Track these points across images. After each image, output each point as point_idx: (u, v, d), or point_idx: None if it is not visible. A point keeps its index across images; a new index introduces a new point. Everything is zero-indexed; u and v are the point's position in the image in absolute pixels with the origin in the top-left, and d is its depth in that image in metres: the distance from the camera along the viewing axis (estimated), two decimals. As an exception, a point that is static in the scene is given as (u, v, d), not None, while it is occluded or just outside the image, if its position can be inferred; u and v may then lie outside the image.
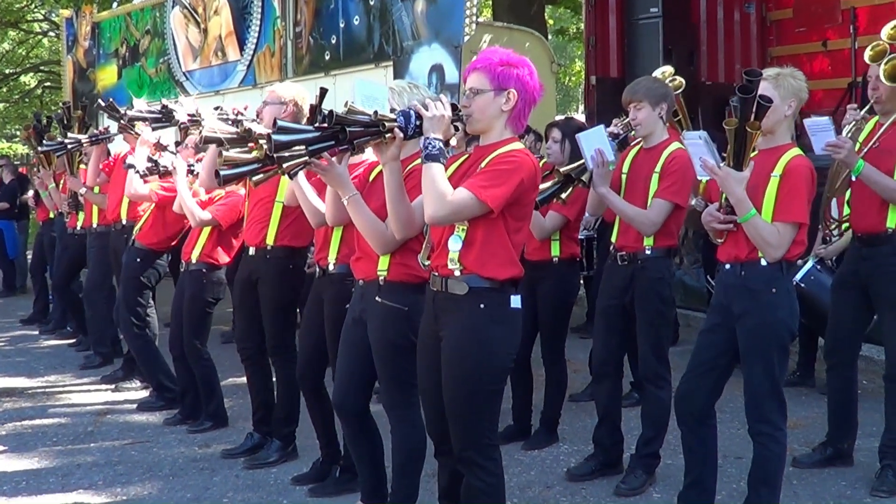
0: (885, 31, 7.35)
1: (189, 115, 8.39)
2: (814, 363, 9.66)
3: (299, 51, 15.91)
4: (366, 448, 6.17)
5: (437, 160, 4.85)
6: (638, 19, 14.56)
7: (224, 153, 6.00)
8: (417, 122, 4.91)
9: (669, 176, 6.79)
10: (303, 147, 5.04)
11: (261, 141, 6.08)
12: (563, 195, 7.42)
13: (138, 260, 9.30)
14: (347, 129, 4.91)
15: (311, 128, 5.11)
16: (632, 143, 7.23)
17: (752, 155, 5.69)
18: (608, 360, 7.18)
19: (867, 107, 7.30)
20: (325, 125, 4.98)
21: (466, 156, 5.31)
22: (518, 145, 5.06)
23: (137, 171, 8.74)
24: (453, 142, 5.63)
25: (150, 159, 8.69)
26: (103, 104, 10.40)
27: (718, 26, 15.87)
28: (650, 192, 6.84)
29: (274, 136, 5.00)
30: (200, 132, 7.67)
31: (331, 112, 4.95)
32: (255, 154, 6.16)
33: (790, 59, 13.57)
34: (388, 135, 4.95)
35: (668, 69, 9.03)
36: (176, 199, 8.36)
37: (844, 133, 7.09)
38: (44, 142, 11.61)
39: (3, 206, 18.28)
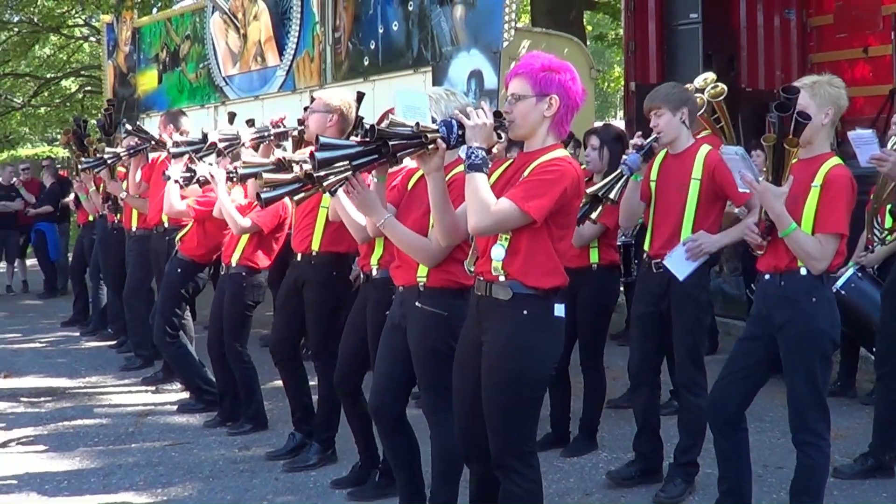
0: None
1: (223, 137, 8.49)
2: (855, 373, 9.61)
3: (338, 56, 15.92)
4: (403, 453, 6.20)
5: (480, 170, 4.85)
6: (678, 25, 14.53)
7: (265, 174, 6.02)
8: (460, 132, 4.91)
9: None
10: (346, 162, 5.05)
11: (303, 163, 6.08)
12: (594, 215, 7.41)
13: (179, 270, 9.33)
14: (389, 142, 4.92)
15: (353, 143, 5.11)
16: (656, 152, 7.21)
17: (792, 164, 5.68)
18: (645, 367, 7.18)
19: None
20: (367, 139, 4.99)
21: (510, 162, 5.30)
22: (561, 152, 5.06)
23: (176, 181, 8.78)
24: (496, 149, 5.62)
25: (187, 168, 8.72)
26: (130, 129, 10.51)
27: (758, 32, 15.81)
28: (688, 198, 6.84)
29: (318, 155, 5.00)
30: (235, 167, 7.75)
31: (372, 126, 4.95)
32: (294, 174, 6.20)
33: (830, 65, 13.57)
34: (430, 146, 4.96)
35: (711, 75, 9.00)
36: (216, 205, 8.38)
37: (889, 146, 7.07)
38: (83, 158, 11.69)
39: (46, 210, 18.42)
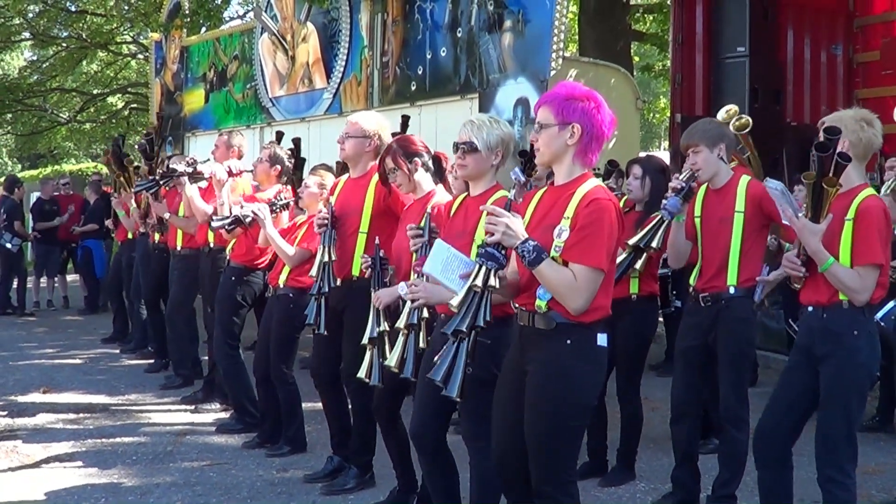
0: None
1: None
2: (894, 407, 9.56)
3: (385, 80, 16.02)
4: (442, 480, 6.21)
5: (540, 260, 4.84)
6: (725, 58, 14.54)
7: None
8: (502, 251, 4.89)
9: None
10: (461, 367, 5.01)
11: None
12: (638, 265, 7.41)
13: (233, 279, 9.36)
14: (478, 323, 4.88)
15: (448, 350, 5.03)
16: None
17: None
18: (688, 399, 7.15)
19: None
20: (464, 336, 4.95)
21: (542, 191, 5.32)
22: (593, 183, 5.06)
23: (224, 229, 8.88)
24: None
25: (231, 214, 8.85)
26: (182, 157, 10.81)
27: (805, 67, 15.82)
28: (734, 231, 6.84)
29: (447, 389, 5.01)
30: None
31: (456, 330, 4.92)
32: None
33: (876, 101, 13.53)
34: (498, 284, 4.93)
35: (733, 108, 9.05)
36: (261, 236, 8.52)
37: (884, 189, 7.07)
38: (136, 181, 11.80)
39: (91, 228, 18.48)
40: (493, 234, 4.85)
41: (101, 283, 18.64)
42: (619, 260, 7.12)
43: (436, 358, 5.12)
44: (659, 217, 7.10)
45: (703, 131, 7.04)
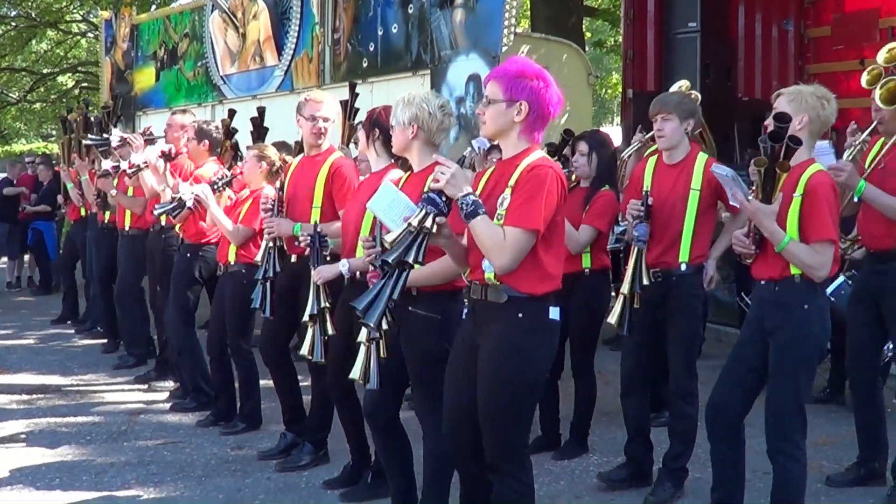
0: (881, 55, 7.36)
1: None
2: (844, 380, 9.63)
3: (337, 57, 15.96)
4: (396, 456, 6.24)
5: (476, 214, 4.86)
6: (676, 34, 14.55)
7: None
8: (443, 198, 4.89)
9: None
10: (384, 298, 5.02)
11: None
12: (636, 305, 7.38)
13: (188, 255, 9.34)
14: (406, 260, 4.85)
15: (376, 285, 5.03)
16: (645, 155, 7.20)
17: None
18: (638, 374, 7.22)
19: (869, 128, 7.35)
20: (386, 271, 4.94)
21: (491, 169, 5.34)
22: (537, 154, 5.10)
23: (170, 215, 8.89)
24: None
25: (172, 199, 8.87)
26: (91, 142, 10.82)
27: (756, 42, 15.83)
28: (688, 208, 6.88)
29: (358, 307, 4.99)
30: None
31: (383, 262, 4.91)
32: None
33: (827, 76, 13.60)
34: (435, 229, 4.92)
35: (685, 83, 9.09)
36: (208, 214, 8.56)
37: (846, 156, 7.14)
38: (89, 135, 11.71)
39: (44, 209, 18.30)
40: (438, 182, 4.87)
41: (53, 264, 18.46)
42: (616, 311, 7.13)
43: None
44: (636, 252, 7.05)
45: (677, 103, 7.09)
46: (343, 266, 6.39)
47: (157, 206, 9.14)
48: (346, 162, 7.68)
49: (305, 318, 6.79)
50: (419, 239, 4.85)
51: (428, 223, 4.84)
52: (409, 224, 4.87)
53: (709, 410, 6.13)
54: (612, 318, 7.10)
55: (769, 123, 5.65)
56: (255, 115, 9.98)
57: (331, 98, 7.80)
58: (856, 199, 6.82)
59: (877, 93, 6.93)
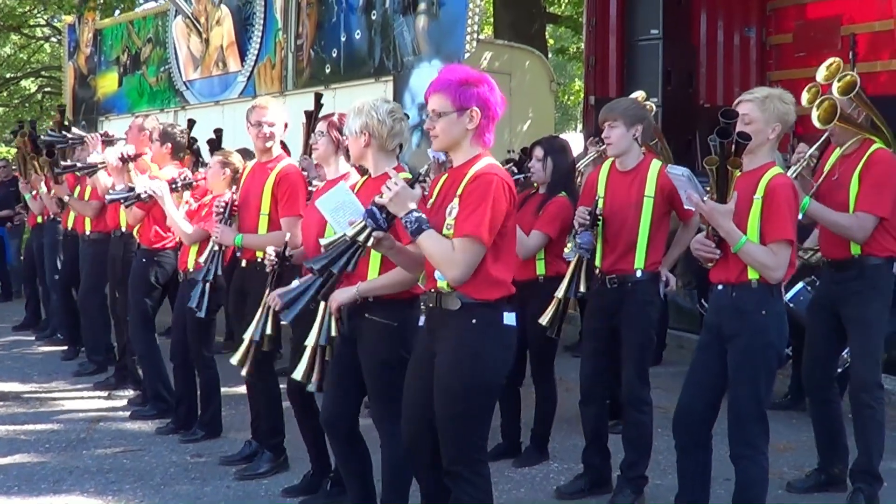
0: (821, 73, 7.35)
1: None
2: (803, 387, 9.69)
3: (300, 63, 15.95)
4: (355, 464, 6.21)
5: (421, 231, 4.90)
6: (638, 40, 14.62)
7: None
8: (384, 213, 4.95)
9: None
10: (305, 300, 5.08)
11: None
12: (571, 311, 7.40)
13: (144, 260, 9.26)
14: (333, 269, 4.95)
15: (302, 284, 5.13)
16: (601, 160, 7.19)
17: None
18: (596, 381, 7.21)
19: (817, 144, 7.38)
20: (318, 276, 5.04)
21: (444, 178, 5.34)
22: (486, 161, 5.11)
23: (122, 202, 8.79)
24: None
25: (127, 188, 8.79)
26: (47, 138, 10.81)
27: (718, 49, 15.93)
28: (643, 216, 6.89)
29: (283, 315, 5.05)
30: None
31: (310, 267, 5.02)
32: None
33: (789, 83, 13.64)
34: (370, 243, 4.98)
35: (641, 94, 9.14)
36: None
37: (790, 172, 7.16)
38: (49, 131, 11.64)
39: (7, 214, 18.15)
40: (383, 196, 4.91)
41: (12, 270, 18.34)
42: (549, 314, 7.17)
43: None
44: (577, 259, 7.08)
45: (624, 108, 7.10)
46: (294, 284, 6.39)
47: (109, 192, 9.06)
48: (294, 170, 7.70)
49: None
50: (351, 250, 4.93)
51: (362, 238, 4.92)
52: (345, 234, 4.94)
53: (675, 420, 6.14)
54: (544, 320, 7.13)
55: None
56: (217, 126, 9.95)
57: (276, 104, 7.83)
58: (800, 217, 6.79)
59: (814, 114, 6.94)
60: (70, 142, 10.57)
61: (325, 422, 6.17)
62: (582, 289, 6.98)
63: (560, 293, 7.09)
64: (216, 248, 7.47)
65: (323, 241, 4.97)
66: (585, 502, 7.13)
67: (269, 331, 6.80)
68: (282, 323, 5.30)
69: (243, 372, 7.01)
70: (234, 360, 6.95)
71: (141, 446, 8.56)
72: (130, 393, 10.27)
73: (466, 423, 5.05)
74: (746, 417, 5.79)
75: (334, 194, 5.31)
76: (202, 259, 7.70)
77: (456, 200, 5.00)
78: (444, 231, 4.96)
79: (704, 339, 6.13)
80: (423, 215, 4.94)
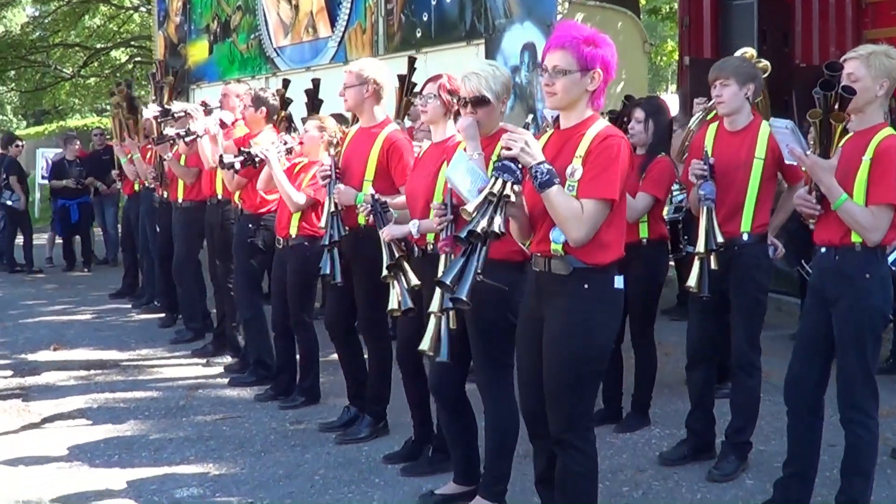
0: None
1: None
2: (909, 350, 9.51)
3: (390, 28, 15.88)
4: (460, 430, 6.21)
5: (551, 184, 4.80)
6: (733, 0, 14.42)
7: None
8: (518, 165, 4.82)
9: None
10: (472, 271, 4.90)
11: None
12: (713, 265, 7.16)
13: (250, 225, 9.28)
14: (492, 230, 4.78)
15: (462, 260, 4.93)
16: (707, 121, 7.06)
17: (846, 137, 5.69)
18: (703, 346, 7.12)
19: None
20: (471, 241, 4.86)
21: (548, 135, 5.28)
22: (602, 124, 5.05)
23: (232, 167, 8.74)
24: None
25: (240, 151, 8.73)
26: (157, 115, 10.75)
27: (813, 8, 15.62)
28: (752, 177, 6.75)
29: (444, 281, 4.93)
30: None
31: (470, 232, 4.80)
32: None
33: (886, 41, 13.37)
34: (513, 197, 4.83)
35: (751, 51, 8.89)
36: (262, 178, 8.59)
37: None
38: (149, 105, 11.69)
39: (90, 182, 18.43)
40: (510, 150, 4.81)
41: (111, 238, 18.57)
42: (694, 275, 6.93)
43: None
44: (706, 210, 6.87)
45: (736, 66, 6.96)
46: (413, 226, 6.30)
47: (224, 155, 8.92)
48: (401, 136, 7.58)
49: (384, 272, 6.62)
50: (500, 208, 4.79)
51: (507, 191, 4.78)
52: (490, 192, 4.79)
53: (787, 386, 6.06)
54: (692, 282, 6.88)
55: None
56: (310, 86, 9.91)
57: (369, 61, 7.82)
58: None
59: None
60: (176, 116, 10.55)
61: (432, 387, 6.17)
62: (720, 239, 6.76)
63: (700, 248, 6.84)
64: (332, 209, 7.37)
65: (468, 208, 4.85)
66: (689, 468, 7.04)
67: (397, 254, 6.58)
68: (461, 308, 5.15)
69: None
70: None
71: (240, 413, 8.61)
72: (228, 360, 10.34)
73: (577, 391, 5.01)
74: (855, 381, 5.71)
75: (457, 163, 5.25)
76: (321, 224, 7.62)
77: (577, 161, 4.91)
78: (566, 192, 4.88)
79: (809, 302, 6.02)
80: (553, 168, 4.85)
